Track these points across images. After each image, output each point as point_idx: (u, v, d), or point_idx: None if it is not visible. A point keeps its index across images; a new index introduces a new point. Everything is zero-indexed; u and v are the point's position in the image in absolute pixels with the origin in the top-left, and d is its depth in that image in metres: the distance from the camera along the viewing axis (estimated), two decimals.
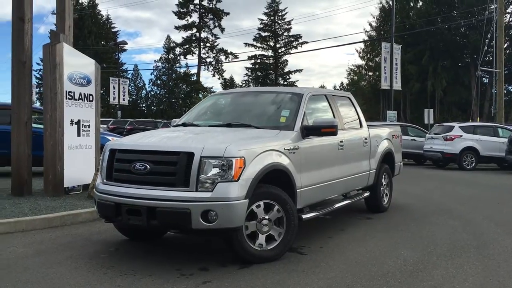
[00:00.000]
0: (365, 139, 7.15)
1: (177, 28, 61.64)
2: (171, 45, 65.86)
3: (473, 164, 17.55)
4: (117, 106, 45.91)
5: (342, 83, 67.14)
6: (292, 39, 61.78)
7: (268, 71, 64.15)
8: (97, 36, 63.89)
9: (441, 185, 12.29)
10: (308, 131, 5.58)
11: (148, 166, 4.65)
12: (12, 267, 4.64)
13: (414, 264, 4.87)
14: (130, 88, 70.70)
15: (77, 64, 8.72)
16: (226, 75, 67.58)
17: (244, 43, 62.62)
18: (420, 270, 4.69)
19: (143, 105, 72.13)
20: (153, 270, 4.56)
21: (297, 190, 5.33)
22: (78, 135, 8.65)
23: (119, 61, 65.95)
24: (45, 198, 7.92)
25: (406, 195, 9.97)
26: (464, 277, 4.50)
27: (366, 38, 54.24)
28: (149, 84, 72.50)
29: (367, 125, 7.51)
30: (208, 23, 61.65)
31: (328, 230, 6.40)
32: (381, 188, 7.79)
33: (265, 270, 4.60)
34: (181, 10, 60.79)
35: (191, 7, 60.79)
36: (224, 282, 4.25)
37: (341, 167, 6.36)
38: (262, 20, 61.57)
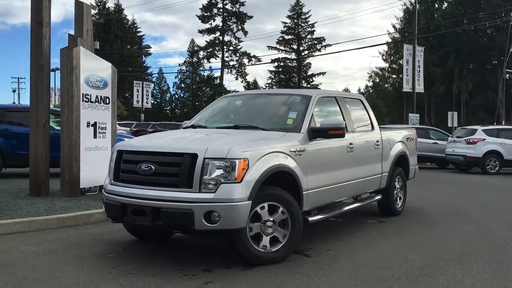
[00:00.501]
0: (377, 141, 7.09)
1: (200, 32, 62.15)
2: (195, 48, 66.51)
3: (497, 168, 17.18)
4: (142, 109, 46.49)
5: (366, 86, 66.71)
6: (316, 42, 61.59)
7: (291, 74, 64.11)
8: (123, 40, 64.97)
9: (461, 189, 12.07)
10: (316, 133, 5.56)
11: (153, 167, 4.71)
12: (21, 265, 4.75)
13: (421, 269, 4.80)
14: (154, 91, 71.76)
15: (94, 67, 8.87)
16: (250, 78, 67.87)
17: (267, 46, 62.63)
18: (426, 274, 4.62)
19: (168, 108, 72.91)
20: (157, 270, 4.60)
21: (304, 192, 5.32)
22: (95, 137, 8.79)
23: (144, 65, 66.86)
24: (61, 199, 8.07)
25: (423, 199, 9.83)
26: (471, 282, 4.42)
27: (389, 40, 53.71)
28: (173, 88, 73.30)
29: (380, 128, 7.44)
30: (231, 27, 61.91)
31: (338, 233, 6.36)
32: (394, 192, 7.71)
33: (268, 272, 4.60)
34: (205, 14, 61.20)
35: (215, 10, 61.17)
36: (226, 283, 4.27)
37: (350, 169, 6.31)
38: (286, 23, 61.62)
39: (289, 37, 61.82)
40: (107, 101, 9.15)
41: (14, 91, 79.70)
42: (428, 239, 6.17)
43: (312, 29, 61.39)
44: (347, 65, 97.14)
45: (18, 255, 5.13)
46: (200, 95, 67.93)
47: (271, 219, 4.88)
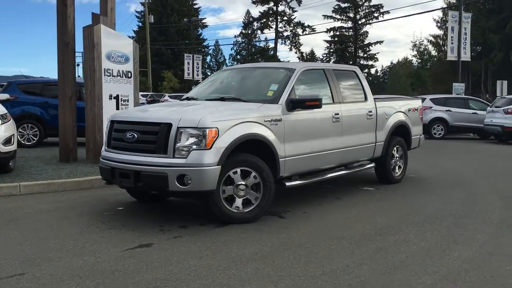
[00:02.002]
0: (370, 112, 7.34)
1: (254, 2, 62.16)
2: (250, 19, 66.59)
3: None
4: (192, 81, 47.48)
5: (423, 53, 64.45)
6: (373, 9, 59.91)
7: (348, 43, 63.02)
8: (179, 13, 65.63)
9: (482, 160, 11.97)
10: (294, 104, 5.94)
11: (136, 135, 5.31)
12: (27, 219, 5.53)
13: (379, 229, 5.16)
14: (211, 64, 72.78)
15: (115, 44, 9.53)
16: (307, 49, 67.35)
17: (323, 15, 61.65)
18: (380, 234, 4.99)
19: None
20: (139, 226, 5.24)
21: (280, 159, 5.75)
22: (117, 108, 9.51)
23: (201, 37, 67.79)
24: (85, 165, 8.91)
25: (437, 168, 9.97)
26: (416, 242, 4.74)
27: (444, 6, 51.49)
28: (229, 59, 73.85)
29: (376, 99, 7.67)
30: None
31: (323, 198, 6.77)
32: (392, 160, 7.96)
33: (236, 229, 5.12)
34: None
35: None
36: (193, 237, 4.84)
37: (336, 138, 6.65)
38: None
39: (346, 5, 60.41)
40: (129, 75, 9.83)
41: (77, 65, 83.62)
42: (408, 204, 6.47)
43: None
44: (410, 33, 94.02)
45: (28, 211, 5.93)
46: None
47: (244, 183, 5.38)
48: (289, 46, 64.71)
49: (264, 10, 62.12)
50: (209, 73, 68.23)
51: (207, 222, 5.37)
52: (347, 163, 7.11)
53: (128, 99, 9.79)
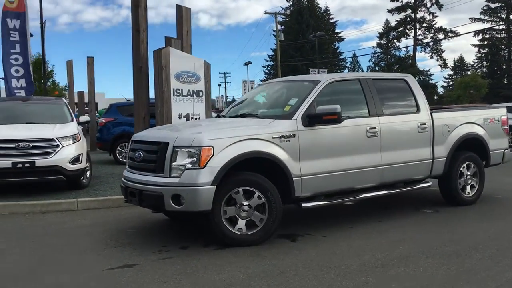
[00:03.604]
0: (422, 124, 6.52)
1: (390, 11, 60.38)
2: (384, 29, 64.52)
3: None
4: None
5: None
6: None
7: (499, 46, 57.81)
8: (314, 29, 65.66)
9: None
10: (312, 119, 5.53)
11: (142, 154, 5.38)
12: (57, 234, 5.91)
13: (389, 260, 4.51)
14: None
15: (185, 64, 9.83)
16: (455, 55, 63.11)
17: (469, 18, 57.17)
18: (384, 266, 4.37)
19: None
20: (145, 245, 5.27)
21: (295, 178, 5.38)
22: None
23: (337, 51, 67.44)
24: None
25: None
26: (418, 277, 4.04)
27: None
28: (367, 71, 72.11)
29: (436, 109, 6.83)
30: (424, 1, 58.52)
31: (362, 220, 6.16)
32: (462, 179, 6.97)
33: (232, 252, 4.88)
34: None
35: None
36: (180, 260, 4.70)
37: (373, 155, 6.02)
38: None
39: (496, 5, 55.55)
40: (200, 94, 10.07)
41: (219, 85, 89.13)
42: (455, 231, 5.57)
43: None
44: None
45: (66, 226, 6.34)
46: None
47: (247, 203, 5.12)
48: (430, 54, 61.30)
49: (401, 18, 59.75)
50: None
51: (212, 244, 5.20)
52: (391, 182, 6.37)
53: (199, 117, 10.03)
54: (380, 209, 6.86)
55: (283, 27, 65.87)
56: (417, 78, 60.74)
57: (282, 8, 64.84)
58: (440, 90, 63.86)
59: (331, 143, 5.72)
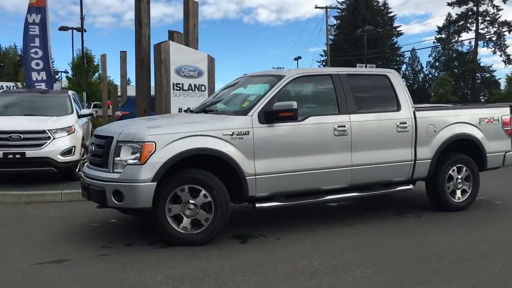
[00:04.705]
0: (402, 123, 6.09)
1: (450, 4, 58.00)
2: (445, 23, 61.95)
3: None
4: None
5: None
6: None
7: None
8: (371, 23, 63.86)
9: None
10: (269, 116, 5.27)
11: (93, 149, 5.33)
12: (16, 225, 5.98)
13: (322, 268, 4.21)
14: (407, 73, 69.31)
15: (187, 59, 9.77)
16: None
17: None
18: (308, 274, 4.07)
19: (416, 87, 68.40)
20: (93, 239, 5.25)
21: (248, 177, 5.16)
22: None
23: (396, 45, 65.42)
24: None
25: None
26: (341, 283, 3.74)
27: None
28: (426, 67, 69.43)
29: (422, 107, 6.38)
30: None
31: (328, 223, 5.84)
32: (451, 183, 6.47)
33: (170, 251, 4.75)
34: None
35: None
36: (113, 257, 4.60)
37: (341, 154, 5.68)
38: None
39: None
40: (203, 89, 9.99)
41: None
42: (422, 241, 5.14)
43: None
44: None
45: (32, 219, 6.41)
46: (454, 74, 61.92)
47: (193, 201, 4.95)
48: (493, 49, 58.38)
49: (462, 12, 57.20)
50: (405, 83, 65.01)
51: (158, 242, 5.07)
52: (365, 184, 5.99)
53: None
54: (358, 212, 6.51)
55: (338, 21, 64.76)
56: (477, 74, 58.17)
57: (338, 2, 63.49)
58: (503, 87, 60.62)
59: (292, 142, 5.44)
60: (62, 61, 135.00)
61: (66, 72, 45.32)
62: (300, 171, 5.46)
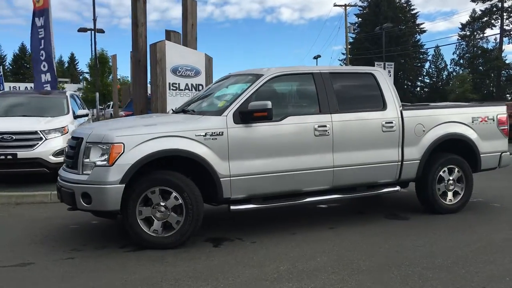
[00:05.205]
0: (388, 123, 5.88)
1: (473, 0, 56.83)
2: (470, 19, 60.67)
3: None
4: None
5: None
6: None
7: None
8: (393, 21, 62.65)
9: None
10: (244, 116, 5.14)
11: (67, 150, 5.28)
12: (3, 224, 5.98)
13: (290, 273, 4.06)
14: (430, 70, 68.08)
15: (183, 58, 9.72)
16: None
17: None
18: (278, 279, 3.92)
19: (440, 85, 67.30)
20: (66, 241, 5.19)
21: (222, 179, 5.04)
22: None
23: (419, 43, 64.47)
24: None
25: None
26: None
27: None
28: (450, 64, 67.98)
29: (409, 106, 6.16)
30: None
31: (311, 226, 5.67)
32: (441, 184, 6.24)
33: (139, 255, 4.66)
34: None
35: None
36: (80, 261, 4.53)
37: (322, 155, 5.51)
38: None
39: None
40: (200, 88, 9.89)
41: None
42: (399, 246, 4.93)
43: None
44: None
45: (18, 219, 6.41)
46: (478, 71, 60.60)
47: (163, 204, 4.86)
48: None
49: (486, 8, 56.03)
50: (428, 81, 64.25)
51: (130, 245, 4.99)
52: (348, 185, 5.80)
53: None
54: (345, 214, 6.33)
55: (359, 19, 64.04)
56: (503, 71, 56.84)
57: (360, 0, 62.69)
58: None
59: (269, 142, 5.29)
60: (84, 62, 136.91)
61: (86, 73, 45.96)
62: (278, 173, 5.31)
